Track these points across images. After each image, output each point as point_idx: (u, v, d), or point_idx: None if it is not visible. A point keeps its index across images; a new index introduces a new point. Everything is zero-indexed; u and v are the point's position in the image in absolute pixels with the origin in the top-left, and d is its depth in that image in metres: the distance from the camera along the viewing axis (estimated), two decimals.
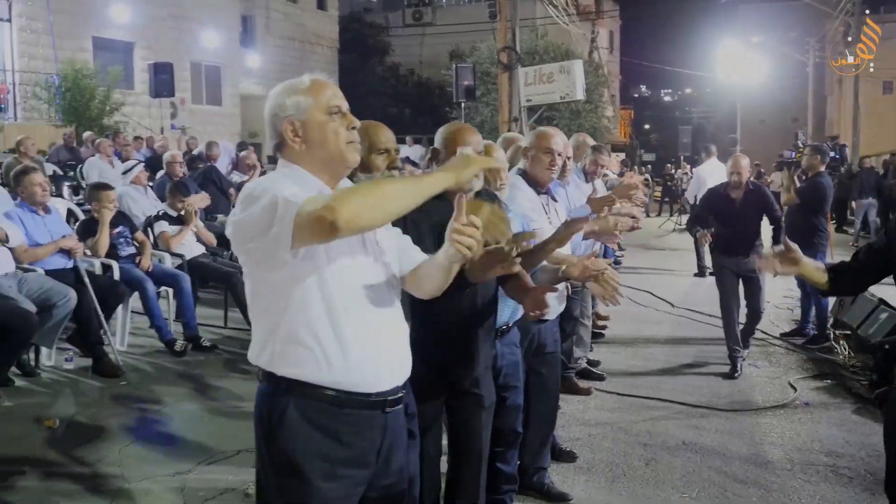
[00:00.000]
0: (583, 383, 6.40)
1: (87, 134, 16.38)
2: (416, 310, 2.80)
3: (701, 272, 12.43)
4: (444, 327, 3.10)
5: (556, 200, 4.43)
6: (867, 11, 31.41)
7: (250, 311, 2.32)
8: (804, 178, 8.47)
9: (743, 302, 7.19)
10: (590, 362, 6.88)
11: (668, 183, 27.60)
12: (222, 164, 11.63)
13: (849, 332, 7.70)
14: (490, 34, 23.36)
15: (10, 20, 19.26)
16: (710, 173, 12.33)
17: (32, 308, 5.46)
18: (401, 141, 26.21)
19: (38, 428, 4.99)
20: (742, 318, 7.24)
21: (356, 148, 2.33)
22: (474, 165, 2.24)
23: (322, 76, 2.37)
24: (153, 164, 12.29)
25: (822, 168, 8.10)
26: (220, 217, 9.19)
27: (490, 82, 21.49)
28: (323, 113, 2.29)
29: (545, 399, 4.31)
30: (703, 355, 7.66)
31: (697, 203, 12.18)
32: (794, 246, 3.21)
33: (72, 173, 12.20)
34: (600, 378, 6.68)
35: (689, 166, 27.75)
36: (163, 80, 18.28)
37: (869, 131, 34.43)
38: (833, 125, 48.10)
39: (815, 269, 3.31)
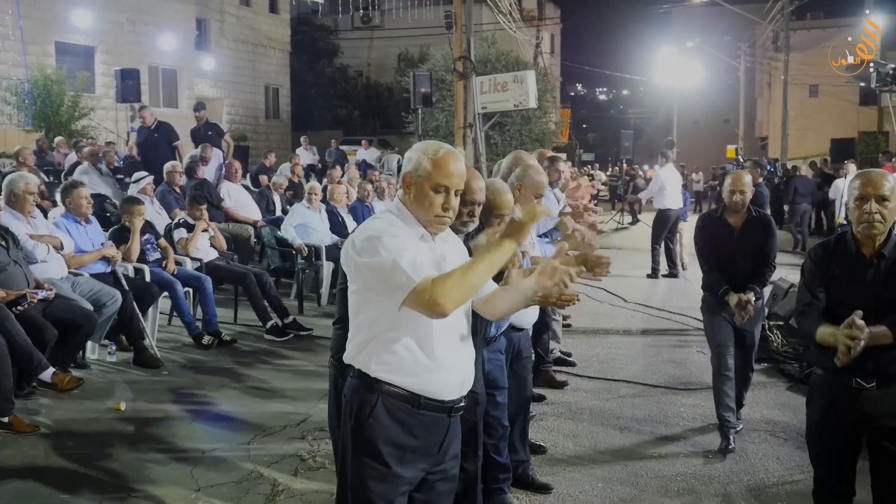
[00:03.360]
0: (558, 375, 7.34)
1: (58, 139, 16.88)
2: None
3: (654, 273, 13.52)
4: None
5: None
6: (792, 16, 33.12)
7: (353, 319, 2.82)
8: None
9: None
10: (562, 352, 7.90)
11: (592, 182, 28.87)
12: (212, 168, 12.34)
13: (781, 323, 8.86)
14: (439, 38, 24.30)
15: None
16: (668, 175, 13.50)
17: (90, 307, 6.26)
18: (355, 143, 27.02)
19: (107, 411, 5.81)
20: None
21: (442, 222, 2.80)
22: (528, 226, 2.68)
23: (459, 153, 2.85)
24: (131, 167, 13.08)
25: (760, 179, 9.31)
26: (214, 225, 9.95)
27: (445, 89, 22.39)
28: (431, 184, 2.75)
29: (521, 397, 4.88)
30: (656, 343, 8.87)
31: (659, 216, 13.23)
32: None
33: (55, 180, 12.82)
34: (573, 364, 7.70)
35: (640, 168, 29.13)
36: (129, 86, 18.69)
37: (796, 133, 36.36)
38: (762, 126, 50.34)
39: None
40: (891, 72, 8.92)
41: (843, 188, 15.30)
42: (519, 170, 5.01)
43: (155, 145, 12.87)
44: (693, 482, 5.07)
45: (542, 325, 6.77)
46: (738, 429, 5.80)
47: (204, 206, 8.39)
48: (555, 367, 7.40)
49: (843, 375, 3.48)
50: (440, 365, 2.76)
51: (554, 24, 46.27)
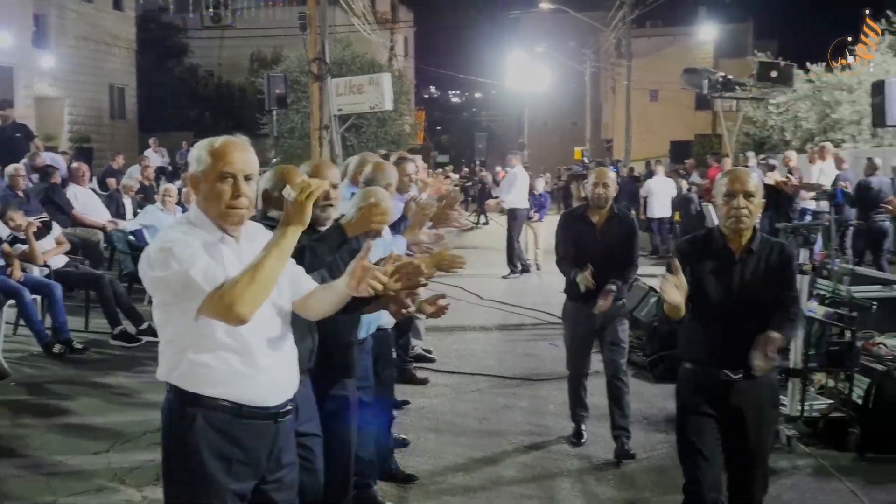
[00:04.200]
0: (419, 372, 7.44)
1: None
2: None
3: (513, 271, 13.88)
4: (326, 339, 3.51)
5: None
6: (633, 24, 34.85)
7: (161, 334, 2.69)
8: None
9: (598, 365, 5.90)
10: (423, 349, 8.07)
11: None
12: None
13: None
14: (292, 39, 24.07)
15: None
16: (521, 175, 13.91)
17: None
18: None
19: None
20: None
21: (237, 214, 2.65)
22: (306, 203, 2.55)
23: (238, 139, 2.72)
24: None
25: None
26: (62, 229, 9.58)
27: (300, 90, 22.22)
28: (215, 175, 2.62)
29: (386, 394, 4.97)
30: (512, 338, 9.24)
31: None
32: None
33: None
34: (433, 360, 7.91)
35: (491, 170, 29.82)
36: None
37: (639, 136, 38.10)
38: (608, 129, 52.56)
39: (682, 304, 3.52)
40: (720, 79, 9.61)
41: (652, 188, 16.96)
42: (369, 169, 4.93)
43: None
44: (547, 464, 5.38)
45: (407, 324, 6.91)
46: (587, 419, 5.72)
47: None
48: (415, 364, 7.59)
49: (712, 368, 3.59)
50: (259, 371, 2.66)
51: (408, 28, 46.66)
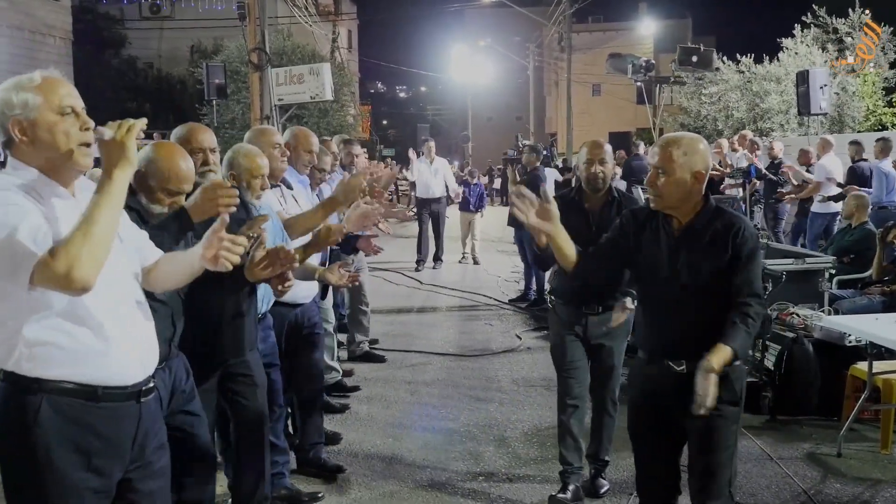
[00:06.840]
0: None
1: None
2: (187, 303, 3.08)
3: (432, 260, 13.55)
4: (213, 317, 3.39)
5: (290, 188, 4.61)
6: (573, 18, 35.33)
7: None
8: (524, 172, 10.38)
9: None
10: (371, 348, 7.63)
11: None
12: None
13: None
14: (232, 30, 23.88)
15: None
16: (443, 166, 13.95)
17: None
18: (148, 136, 25.98)
19: None
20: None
21: (87, 152, 2.25)
22: (126, 140, 2.17)
23: (55, 73, 2.27)
24: None
25: (538, 163, 10.05)
26: None
27: (240, 80, 22.10)
28: (54, 113, 2.19)
29: (310, 379, 4.66)
30: (449, 318, 9.43)
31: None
32: (552, 201, 3.09)
33: None
34: (381, 360, 7.38)
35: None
36: None
37: (582, 129, 38.70)
38: (552, 123, 53.16)
39: (566, 241, 3.20)
40: (643, 64, 9.92)
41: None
42: (250, 134, 4.47)
43: None
44: (475, 431, 5.53)
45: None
46: (581, 474, 4.44)
47: None
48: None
49: (658, 358, 3.22)
50: (112, 344, 2.29)
51: (351, 20, 46.58)
